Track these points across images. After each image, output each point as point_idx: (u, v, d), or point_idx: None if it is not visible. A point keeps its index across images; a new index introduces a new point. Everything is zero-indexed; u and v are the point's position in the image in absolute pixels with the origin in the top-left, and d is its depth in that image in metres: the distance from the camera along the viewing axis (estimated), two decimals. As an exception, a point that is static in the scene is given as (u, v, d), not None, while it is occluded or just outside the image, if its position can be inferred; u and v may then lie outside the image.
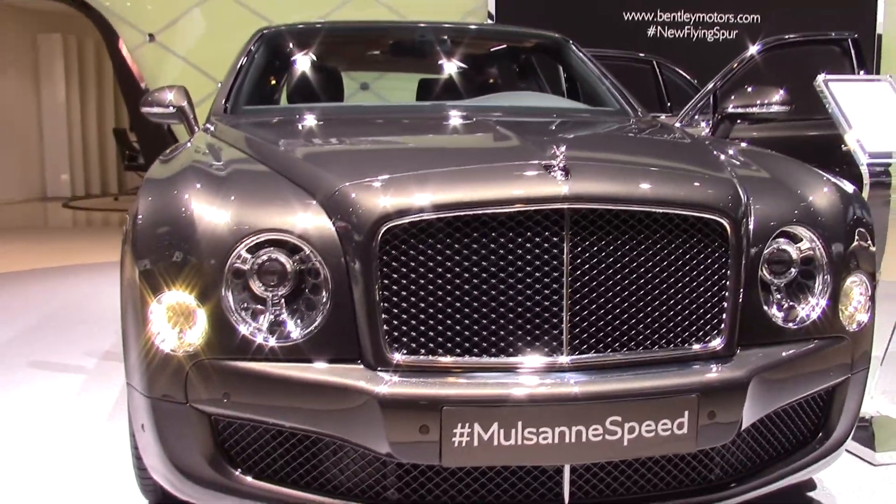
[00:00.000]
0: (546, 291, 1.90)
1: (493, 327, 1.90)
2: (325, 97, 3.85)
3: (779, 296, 2.13)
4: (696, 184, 2.08)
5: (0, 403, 3.55)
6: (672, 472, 2.03)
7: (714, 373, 1.95)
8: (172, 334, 1.93)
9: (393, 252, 1.89)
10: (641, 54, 7.09)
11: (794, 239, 2.15)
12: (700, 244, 1.99)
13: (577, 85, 3.89)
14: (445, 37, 4.13)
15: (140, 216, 2.07)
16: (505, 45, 4.24)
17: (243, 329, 1.91)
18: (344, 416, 1.87)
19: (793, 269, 2.14)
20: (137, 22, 9.91)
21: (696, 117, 4.55)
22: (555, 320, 1.90)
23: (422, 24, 4.19)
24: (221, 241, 1.93)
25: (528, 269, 1.90)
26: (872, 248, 2.27)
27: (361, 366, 1.89)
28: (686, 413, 1.90)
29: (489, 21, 9.65)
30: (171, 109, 3.29)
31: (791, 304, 2.14)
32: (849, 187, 2.40)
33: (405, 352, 1.89)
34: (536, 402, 1.85)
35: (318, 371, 1.89)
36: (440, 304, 1.90)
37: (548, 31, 4.12)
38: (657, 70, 6.66)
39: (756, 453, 2.14)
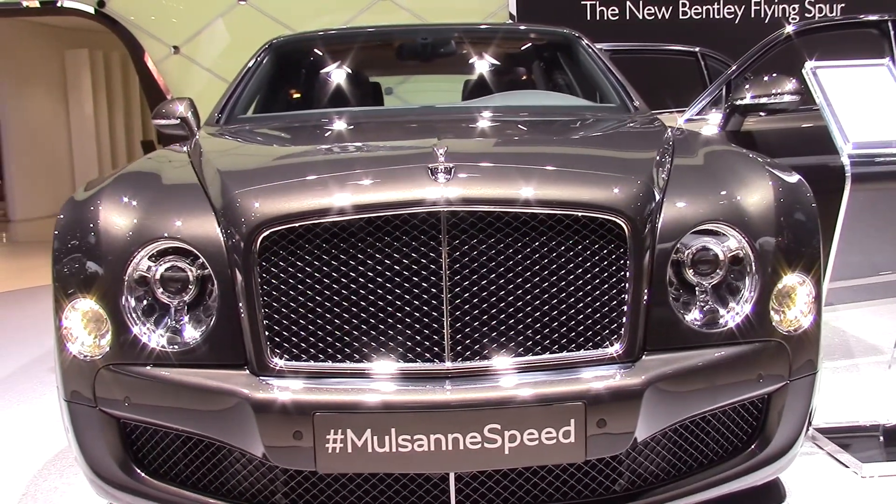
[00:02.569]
0: (425, 296, 1.89)
1: (374, 333, 1.91)
2: (335, 103, 3.97)
3: (703, 298, 2.04)
4: (591, 184, 2.00)
5: (36, 413, 3.77)
6: (569, 482, 1.98)
7: (604, 380, 1.88)
8: (81, 340, 2.04)
9: (272, 258, 1.93)
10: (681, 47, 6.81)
11: (721, 238, 2.06)
12: (594, 245, 1.93)
13: (586, 81, 3.95)
14: (450, 38, 4.26)
15: (57, 225, 2.20)
16: (514, 44, 4.29)
17: (143, 335, 1.99)
18: (224, 420, 1.92)
19: (720, 270, 2.04)
20: (162, 35, 10.22)
21: (713, 110, 4.44)
22: (435, 325, 1.89)
23: (426, 27, 4.34)
24: (122, 249, 2.03)
25: (407, 273, 1.90)
26: (816, 246, 2.14)
27: (247, 371, 1.94)
28: (572, 422, 1.85)
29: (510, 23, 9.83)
30: (177, 121, 3.45)
31: (713, 307, 2.04)
32: (792, 180, 2.27)
33: (287, 357, 1.93)
34: (409, 409, 1.84)
35: (203, 376, 1.94)
36: (320, 310, 1.92)
37: (560, 27, 4.22)
38: (702, 61, 6.50)
39: (679, 462, 2.05)
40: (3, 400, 3.89)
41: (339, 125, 3.19)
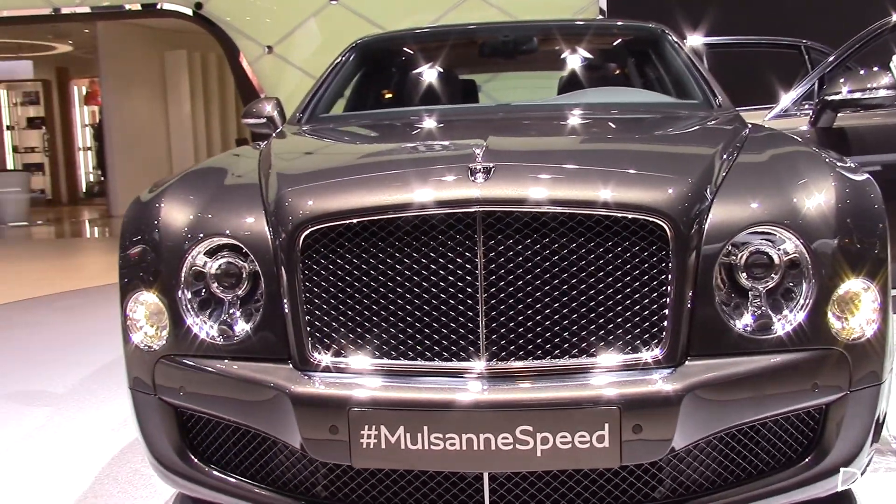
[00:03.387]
0: (461, 296, 1.90)
1: (411, 331, 1.93)
2: (420, 101, 3.99)
3: (757, 302, 1.96)
4: (632, 184, 1.98)
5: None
6: (606, 487, 1.95)
7: (640, 385, 1.85)
8: (143, 331, 2.13)
9: (314, 256, 1.97)
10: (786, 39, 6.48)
11: (778, 241, 1.97)
12: (635, 247, 1.90)
13: (671, 76, 3.81)
14: (532, 35, 4.22)
15: (123, 223, 2.30)
16: (599, 39, 4.25)
17: (197, 328, 2.06)
18: (265, 412, 1.97)
19: (775, 274, 1.96)
20: (256, 35, 10.56)
21: (806, 105, 4.28)
22: (471, 325, 1.90)
23: (509, 24, 4.37)
24: (179, 246, 2.11)
25: (444, 273, 1.91)
26: (882, 250, 2.02)
27: (290, 365, 1.98)
28: (606, 426, 1.82)
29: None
30: (263, 120, 3.55)
31: (766, 312, 1.96)
32: (858, 180, 2.16)
33: (327, 353, 1.96)
34: (441, 408, 1.85)
35: (248, 368, 2.00)
36: (359, 308, 1.94)
37: (646, 22, 4.20)
38: (806, 55, 6.16)
39: (725, 471, 2.00)
40: (102, 385, 4.13)
41: (409, 124, 3.24)
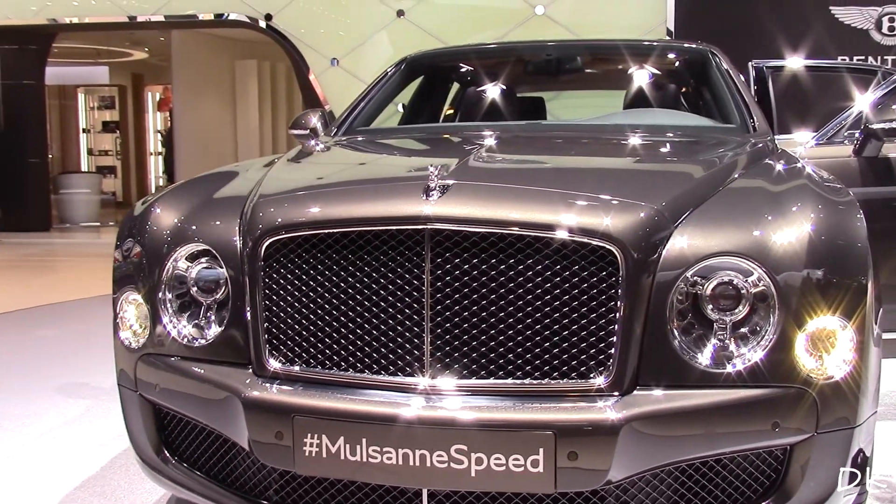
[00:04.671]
0: (408, 312, 1.93)
1: (360, 344, 1.97)
2: (463, 116, 4.11)
3: (721, 335, 1.91)
4: (584, 208, 1.95)
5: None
6: None
7: (578, 412, 1.83)
8: (129, 330, 2.28)
9: (275, 266, 2.04)
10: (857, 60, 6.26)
11: (746, 273, 1.91)
12: (584, 272, 1.88)
13: (715, 98, 3.77)
14: (577, 55, 4.29)
15: (118, 232, 2.45)
16: (647, 60, 4.26)
17: (173, 329, 2.17)
18: (222, 413, 2.06)
19: (742, 307, 1.90)
20: (323, 48, 10.82)
21: (846, 133, 4.12)
22: (416, 342, 1.92)
23: (554, 43, 4.44)
24: (161, 251, 2.24)
25: (393, 288, 1.94)
26: (861, 287, 1.96)
27: (250, 370, 2.06)
28: (541, 451, 1.81)
29: (667, 38, 9.77)
30: (307, 131, 3.65)
31: (727, 345, 1.90)
32: (839, 212, 2.11)
33: (282, 361, 2.02)
34: (379, 421, 1.87)
35: (210, 370, 2.11)
36: (313, 318, 2.00)
37: (699, 42, 4.19)
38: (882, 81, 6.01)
39: (682, 502, 1.95)
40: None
41: (424, 140, 3.32)
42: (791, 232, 1.96)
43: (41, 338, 5.41)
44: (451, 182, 2.02)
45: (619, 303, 1.87)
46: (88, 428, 3.53)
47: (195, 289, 2.19)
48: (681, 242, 1.94)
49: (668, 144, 2.98)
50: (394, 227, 1.94)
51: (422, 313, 1.92)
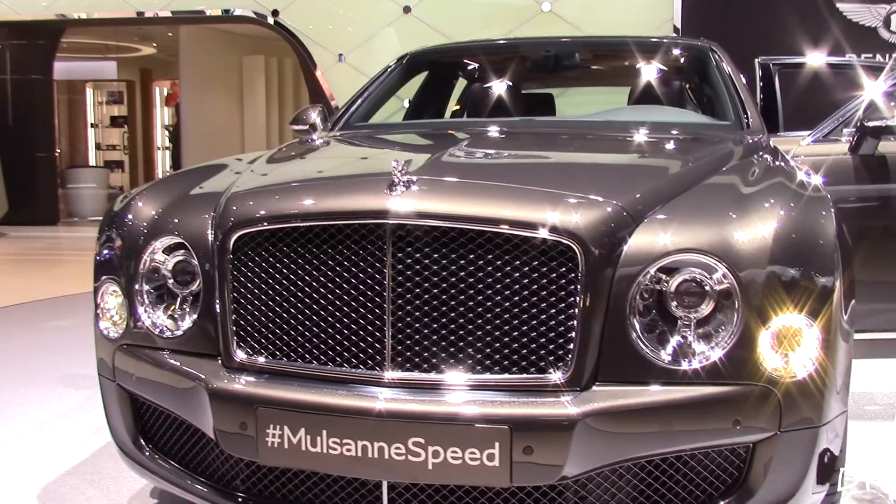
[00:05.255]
0: (370, 305, 1.95)
1: (324, 336, 2.00)
2: (465, 112, 4.14)
3: (685, 332, 1.91)
4: (545, 204, 1.96)
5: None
6: None
7: (534, 407, 1.85)
8: (108, 320, 2.34)
9: (243, 258, 2.08)
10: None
11: (711, 270, 1.91)
12: (544, 267, 1.89)
13: (713, 95, 3.79)
14: (575, 51, 4.33)
15: (99, 226, 2.51)
16: (646, 56, 4.23)
17: (149, 320, 2.23)
18: (191, 403, 2.10)
19: (706, 304, 1.90)
20: (329, 44, 10.90)
21: (845, 131, 4.03)
22: (378, 335, 1.95)
23: (553, 40, 4.46)
24: (137, 244, 2.29)
25: (355, 282, 1.97)
26: (828, 284, 1.94)
27: (219, 362, 2.10)
28: (497, 445, 1.82)
29: (674, 35, 9.79)
30: (307, 127, 3.64)
31: (689, 342, 1.90)
32: (812, 210, 2.10)
33: (249, 352, 2.06)
34: (339, 413, 1.90)
35: (183, 362, 2.15)
36: (278, 311, 2.04)
37: (700, 39, 4.18)
38: None
39: (637, 502, 1.96)
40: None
41: (419, 136, 3.35)
42: (757, 230, 1.95)
43: (47, 329, 5.51)
44: (415, 178, 2.03)
45: (578, 299, 1.88)
46: (85, 416, 3.61)
47: (172, 281, 2.24)
48: (643, 239, 1.94)
49: (652, 141, 3.00)
50: (356, 222, 1.97)
51: (384, 307, 1.95)
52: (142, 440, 2.35)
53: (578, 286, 1.88)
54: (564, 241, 1.89)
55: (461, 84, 4.74)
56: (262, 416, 1.96)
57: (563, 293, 1.90)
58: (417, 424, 1.87)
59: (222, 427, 2.03)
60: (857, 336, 3.90)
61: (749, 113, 3.34)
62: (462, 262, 1.92)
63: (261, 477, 2.12)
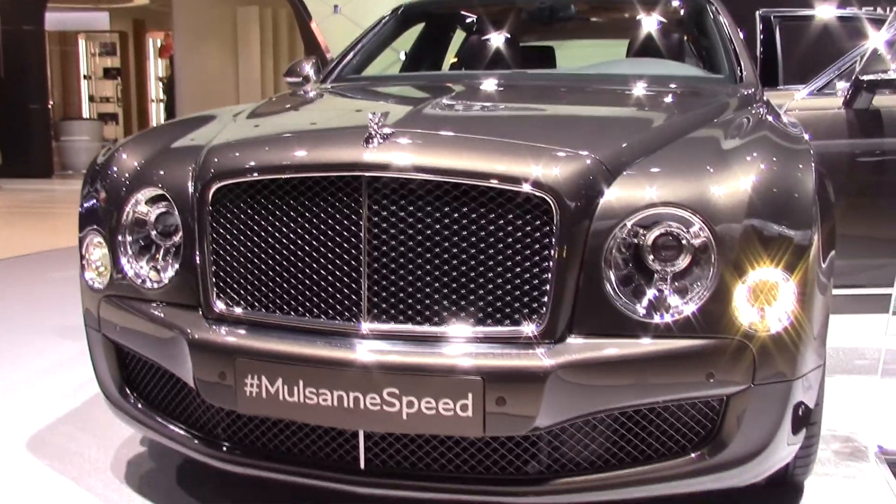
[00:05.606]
0: (346, 257, 1.98)
1: (301, 288, 2.03)
2: (460, 65, 4.13)
3: (661, 286, 1.93)
4: (519, 157, 1.97)
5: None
6: (478, 457, 1.98)
7: (507, 358, 1.87)
8: (93, 271, 2.37)
9: (222, 210, 2.10)
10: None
11: (688, 224, 1.92)
12: (519, 220, 1.91)
13: (709, 48, 3.76)
14: (572, 2, 4.25)
15: (90, 165, 2.53)
16: (643, 8, 4.17)
17: (132, 271, 2.26)
18: (172, 353, 2.14)
19: (683, 258, 1.92)
20: (325, -6, 10.81)
21: (839, 85, 4.02)
22: (354, 286, 1.98)
23: None
24: (119, 194, 2.31)
25: (332, 234, 1.99)
26: (805, 238, 1.95)
27: (200, 312, 2.13)
28: (470, 396, 1.86)
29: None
30: (300, 79, 3.65)
31: (665, 296, 1.92)
32: (792, 164, 2.09)
33: (228, 303, 2.10)
34: (316, 364, 1.94)
35: (165, 312, 2.19)
36: (257, 262, 2.07)
37: None
38: None
39: (608, 454, 1.99)
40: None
41: (408, 88, 3.36)
42: (734, 184, 1.95)
43: (43, 282, 5.56)
44: (391, 130, 2.04)
45: (552, 252, 1.89)
46: (80, 367, 3.64)
47: (154, 232, 2.28)
48: (620, 192, 1.95)
49: (641, 95, 3.00)
50: (333, 174, 1.99)
51: (360, 259, 1.97)
52: (127, 389, 2.40)
53: (553, 239, 1.89)
54: (539, 194, 1.90)
55: (461, 37, 4.73)
56: (241, 366, 2.00)
57: (538, 246, 1.91)
58: (392, 375, 1.90)
59: (202, 376, 2.07)
60: (848, 291, 4.01)
61: (743, 66, 3.33)
62: (437, 214, 1.94)
63: (241, 426, 2.16)
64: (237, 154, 2.17)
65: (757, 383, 1.93)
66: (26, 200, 10.97)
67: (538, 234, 1.91)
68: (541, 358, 1.87)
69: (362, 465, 2.02)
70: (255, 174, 2.07)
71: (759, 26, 4.96)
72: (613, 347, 1.90)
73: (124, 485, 2.52)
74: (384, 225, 1.96)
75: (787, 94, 4.22)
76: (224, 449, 2.17)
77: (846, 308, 4.08)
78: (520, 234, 1.92)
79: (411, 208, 1.95)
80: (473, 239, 1.93)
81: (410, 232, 1.95)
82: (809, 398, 2.07)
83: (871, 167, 4.05)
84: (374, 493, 2.05)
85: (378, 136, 2.00)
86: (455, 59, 4.65)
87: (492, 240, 1.92)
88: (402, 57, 4.77)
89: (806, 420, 2.08)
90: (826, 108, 4.06)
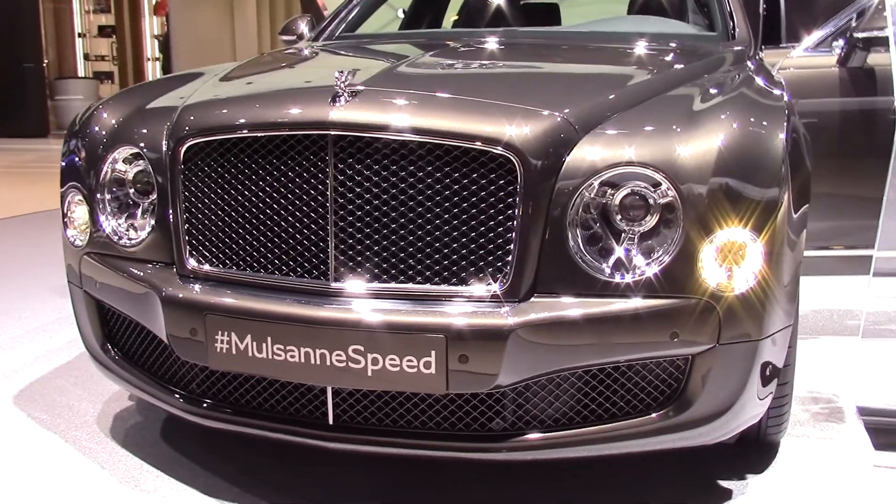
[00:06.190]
0: (313, 216, 2.00)
1: (271, 246, 2.06)
2: (469, 23, 4.09)
3: (629, 245, 1.93)
4: (483, 115, 1.98)
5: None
6: (443, 413, 2.02)
7: (469, 317, 1.89)
8: (75, 228, 2.41)
9: (193, 168, 2.13)
10: None
11: (656, 183, 1.91)
12: (483, 179, 1.92)
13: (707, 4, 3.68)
14: None
15: (71, 123, 2.56)
16: None
17: (110, 229, 2.30)
18: (146, 309, 2.18)
19: (649, 217, 1.92)
20: (322, -49, 10.69)
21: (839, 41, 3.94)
22: (322, 244, 2.00)
23: None
24: (98, 153, 2.35)
25: (299, 192, 2.01)
26: (773, 198, 1.94)
27: (174, 269, 2.18)
28: (433, 353, 1.88)
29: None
30: (294, 37, 3.67)
31: (630, 256, 1.93)
32: (763, 124, 2.05)
33: (201, 261, 2.14)
34: (283, 321, 1.97)
35: (140, 269, 2.23)
36: (228, 220, 2.11)
37: None
38: None
39: (573, 412, 2.01)
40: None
41: (395, 46, 3.34)
42: (702, 143, 1.94)
43: (41, 241, 5.60)
44: (361, 88, 2.06)
45: (516, 210, 1.90)
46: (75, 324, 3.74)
47: (132, 190, 2.31)
48: (586, 152, 1.95)
49: (623, 52, 2.98)
50: (300, 133, 2.01)
51: (326, 218, 2.00)
52: (108, 345, 2.44)
53: (517, 198, 1.90)
54: (502, 153, 1.91)
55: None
56: (211, 322, 2.04)
57: (502, 205, 1.92)
58: (357, 332, 1.92)
59: (174, 332, 2.11)
60: (841, 252, 4.00)
61: (736, 23, 3.32)
62: (402, 173, 1.96)
63: (215, 381, 2.20)
64: (208, 112, 2.19)
65: (722, 343, 1.94)
66: (22, 160, 10.96)
67: (502, 193, 1.92)
68: (503, 316, 1.89)
69: (331, 421, 2.06)
70: (225, 132, 2.10)
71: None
72: (575, 307, 1.91)
73: (109, 438, 2.59)
74: (350, 184, 1.98)
75: (785, 52, 4.18)
76: (195, 403, 2.22)
77: (835, 269, 4.10)
78: (483, 193, 1.93)
79: (377, 167, 1.97)
80: (438, 198, 1.94)
81: (376, 191, 1.97)
82: (777, 358, 2.08)
83: (865, 127, 4.04)
84: (343, 448, 2.09)
85: (345, 94, 2.01)
86: (456, 17, 4.63)
87: (456, 199, 1.94)
88: (401, 15, 4.75)
89: (773, 379, 2.09)
90: (821, 67, 4.04)
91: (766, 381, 2.05)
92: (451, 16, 4.74)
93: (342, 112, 1.98)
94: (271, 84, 2.61)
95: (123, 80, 19.67)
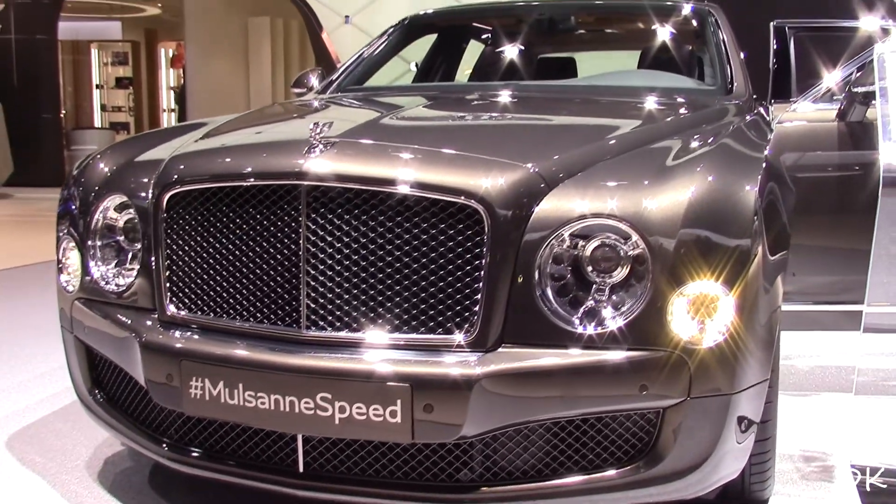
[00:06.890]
0: (287, 264, 2.04)
1: (245, 293, 2.11)
2: (481, 76, 4.17)
3: (598, 297, 1.93)
4: (452, 168, 2.01)
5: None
6: (411, 463, 2.02)
7: (434, 366, 1.91)
8: (67, 274, 2.48)
9: (175, 216, 2.19)
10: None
11: (622, 235, 1.92)
12: (452, 230, 1.94)
13: (708, 58, 3.75)
14: (572, 14, 4.30)
15: (70, 171, 2.65)
16: (643, 18, 4.27)
17: (99, 275, 2.37)
18: (127, 354, 2.23)
19: (620, 269, 1.92)
20: (336, 5, 10.89)
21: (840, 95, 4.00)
22: (294, 292, 2.03)
23: (549, 3, 4.47)
24: (88, 201, 2.43)
25: (274, 241, 2.06)
26: (744, 251, 1.94)
27: (156, 315, 2.23)
28: (399, 402, 1.90)
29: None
30: (305, 90, 3.75)
31: (600, 308, 1.93)
32: (736, 177, 2.05)
33: (179, 308, 2.19)
34: (254, 368, 2.01)
35: (124, 315, 2.29)
36: (206, 268, 2.16)
37: (704, 1, 4.16)
38: None
39: (540, 464, 2.00)
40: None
41: (395, 98, 3.39)
42: (672, 195, 1.95)
43: (53, 290, 5.66)
44: (335, 140, 2.11)
45: (484, 261, 1.92)
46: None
47: (123, 238, 2.39)
48: (554, 204, 1.96)
49: (613, 106, 3.02)
50: (275, 183, 2.05)
51: (299, 266, 2.03)
52: (95, 389, 2.49)
53: (484, 248, 1.92)
54: (470, 204, 1.93)
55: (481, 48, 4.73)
56: (186, 368, 2.08)
57: (469, 256, 1.94)
58: (325, 380, 1.95)
59: (151, 377, 2.16)
60: (844, 308, 3.99)
61: (734, 77, 3.36)
62: (373, 223, 1.99)
63: (191, 427, 2.23)
64: (191, 162, 2.26)
65: (693, 396, 1.92)
66: (37, 209, 11.11)
67: (470, 243, 1.94)
68: (468, 366, 1.90)
69: (301, 469, 2.07)
70: (205, 182, 2.16)
71: (772, 38, 4.96)
72: (541, 357, 1.91)
73: (97, 483, 2.62)
74: (322, 233, 2.01)
75: (786, 107, 4.20)
76: (168, 448, 2.25)
77: (830, 324, 4.09)
78: (451, 243, 1.96)
79: (348, 217, 2.00)
80: (407, 248, 1.97)
81: (347, 240, 2.00)
82: (753, 412, 2.06)
83: (861, 181, 4.05)
84: (313, 497, 2.10)
85: (319, 145, 2.07)
86: (471, 71, 4.71)
87: (425, 249, 1.96)
88: (413, 68, 4.84)
89: (751, 434, 2.08)
90: (823, 121, 4.06)
91: (741, 437, 2.03)
92: (466, 69, 4.84)
93: (314, 163, 2.03)
94: (255, 135, 2.67)
95: (139, 130, 19.94)
